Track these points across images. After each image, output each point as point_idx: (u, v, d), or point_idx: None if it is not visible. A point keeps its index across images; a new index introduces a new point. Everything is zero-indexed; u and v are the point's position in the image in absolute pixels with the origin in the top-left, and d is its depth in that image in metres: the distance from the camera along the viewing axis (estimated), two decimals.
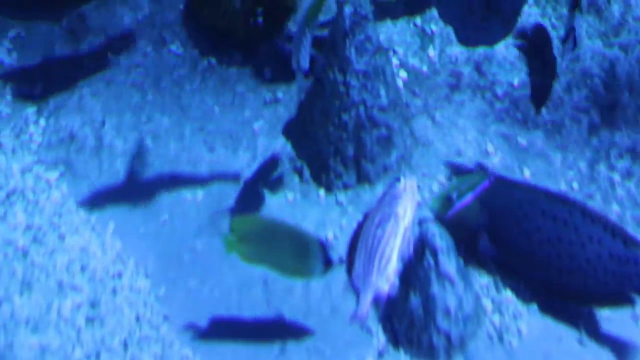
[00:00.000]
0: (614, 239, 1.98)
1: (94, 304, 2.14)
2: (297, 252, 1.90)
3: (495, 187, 2.14)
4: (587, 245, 2.00)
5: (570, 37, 2.36)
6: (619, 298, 2.03)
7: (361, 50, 2.38)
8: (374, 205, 2.06)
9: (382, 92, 2.41)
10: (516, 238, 2.12)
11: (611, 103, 2.52)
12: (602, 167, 2.42)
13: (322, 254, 1.90)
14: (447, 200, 2.10)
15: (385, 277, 1.88)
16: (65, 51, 2.76)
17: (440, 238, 1.97)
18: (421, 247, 1.99)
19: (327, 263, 1.91)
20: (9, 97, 2.65)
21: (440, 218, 2.12)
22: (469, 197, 2.10)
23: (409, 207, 1.97)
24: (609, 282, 1.99)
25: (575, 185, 2.38)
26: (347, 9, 2.35)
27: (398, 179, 2.02)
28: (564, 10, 2.70)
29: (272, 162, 2.48)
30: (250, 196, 2.44)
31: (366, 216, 2.11)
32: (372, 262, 1.90)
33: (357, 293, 1.98)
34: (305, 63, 2.10)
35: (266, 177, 2.47)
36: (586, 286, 2.04)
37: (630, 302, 2.04)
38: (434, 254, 1.98)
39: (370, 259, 1.89)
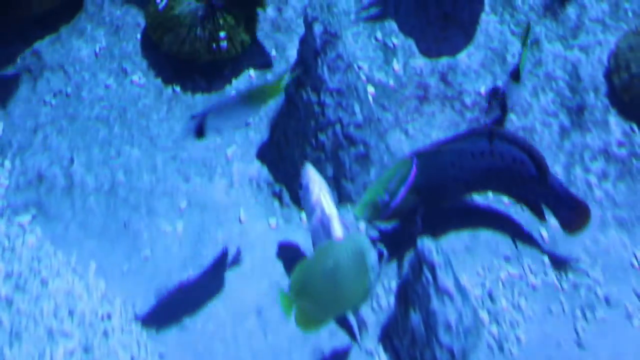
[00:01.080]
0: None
1: (87, 349, 2.10)
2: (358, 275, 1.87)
3: (421, 165, 2.18)
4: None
5: (496, 103, 2.42)
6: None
7: (333, 68, 2.38)
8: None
9: (357, 108, 2.42)
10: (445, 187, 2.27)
11: (578, 105, 2.57)
12: (577, 170, 2.46)
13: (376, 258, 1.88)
14: (378, 205, 2.10)
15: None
16: (22, 89, 2.69)
17: (436, 253, 1.98)
18: (418, 263, 1.99)
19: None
20: None
21: (372, 221, 2.16)
22: (402, 192, 2.13)
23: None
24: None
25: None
26: (317, 28, 2.35)
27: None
28: (522, 17, 2.74)
29: None
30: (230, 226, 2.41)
31: None
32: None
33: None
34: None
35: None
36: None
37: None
38: (432, 270, 1.99)
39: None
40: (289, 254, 2.31)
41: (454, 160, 2.21)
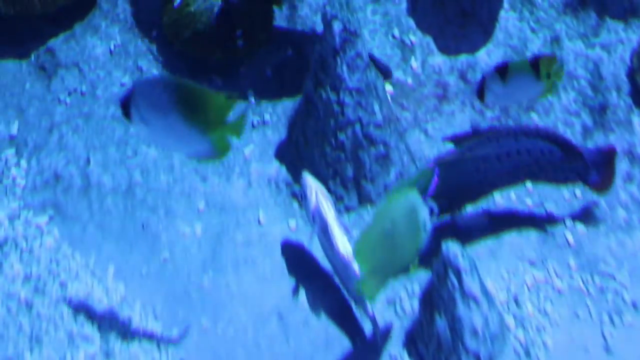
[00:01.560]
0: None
1: (108, 354, 2.08)
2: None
3: (443, 174, 2.14)
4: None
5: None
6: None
7: (353, 67, 2.36)
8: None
9: (377, 108, 2.39)
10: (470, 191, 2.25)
11: (601, 104, 2.54)
12: None
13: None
14: None
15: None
16: (37, 88, 2.67)
17: (462, 258, 1.96)
18: (444, 268, 1.97)
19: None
20: None
21: None
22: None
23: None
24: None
25: (578, 192, 2.39)
26: (337, 26, 2.32)
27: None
28: (542, 14, 2.71)
29: None
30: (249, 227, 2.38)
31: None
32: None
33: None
34: None
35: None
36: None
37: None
38: (458, 274, 1.97)
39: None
40: (308, 257, 2.28)
41: (479, 167, 2.19)
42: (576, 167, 2.25)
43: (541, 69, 2.17)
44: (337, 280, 2.17)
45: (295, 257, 2.30)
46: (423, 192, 2.07)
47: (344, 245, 2.07)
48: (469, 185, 2.22)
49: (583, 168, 2.25)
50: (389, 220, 1.82)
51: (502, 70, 2.19)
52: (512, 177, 2.25)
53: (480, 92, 2.24)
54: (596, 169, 2.26)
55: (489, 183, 2.25)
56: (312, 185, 2.18)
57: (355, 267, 1.99)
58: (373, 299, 1.90)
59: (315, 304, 2.18)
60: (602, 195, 2.31)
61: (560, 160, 2.23)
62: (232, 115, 1.78)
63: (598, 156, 2.27)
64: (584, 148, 2.29)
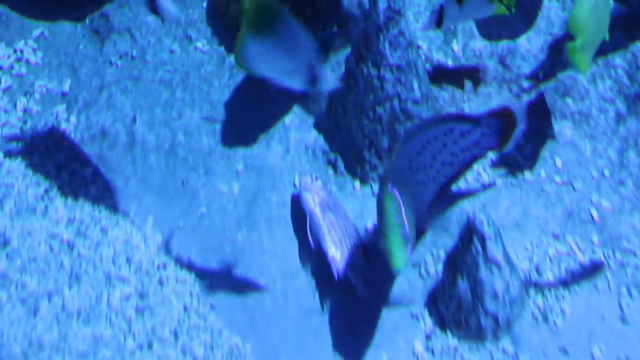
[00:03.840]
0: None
1: (142, 295, 2.17)
2: None
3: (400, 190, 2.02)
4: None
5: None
6: None
7: (395, 45, 2.42)
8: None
9: (415, 85, 2.45)
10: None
11: (636, 93, 2.58)
12: (631, 155, 2.48)
13: None
14: (406, 245, 1.94)
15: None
16: (90, 50, 2.78)
17: (487, 225, 2.02)
18: (469, 234, 2.03)
19: None
20: (37, 96, 2.67)
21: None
22: (405, 219, 1.97)
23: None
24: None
25: (606, 172, 2.43)
26: (382, 4, 2.39)
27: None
28: None
29: None
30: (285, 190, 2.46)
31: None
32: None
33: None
34: None
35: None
36: None
37: None
38: (482, 241, 2.02)
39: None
40: None
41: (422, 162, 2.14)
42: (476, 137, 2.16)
43: None
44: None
45: None
46: (399, 213, 1.98)
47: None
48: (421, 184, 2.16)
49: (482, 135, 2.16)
50: None
51: None
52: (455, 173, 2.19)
53: (439, 19, 2.33)
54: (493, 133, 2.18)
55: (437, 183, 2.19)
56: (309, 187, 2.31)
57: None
58: (586, 71, 1.98)
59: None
60: (503, 150, 2.24)
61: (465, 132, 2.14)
62: None
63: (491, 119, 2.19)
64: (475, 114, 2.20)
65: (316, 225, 2.22)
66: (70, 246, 2.25)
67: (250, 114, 2.61)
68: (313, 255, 2.25)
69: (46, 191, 2.40)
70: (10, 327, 2.06)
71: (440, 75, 2.71)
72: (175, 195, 2.45)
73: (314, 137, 2.55)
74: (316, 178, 2.36)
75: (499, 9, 2.34)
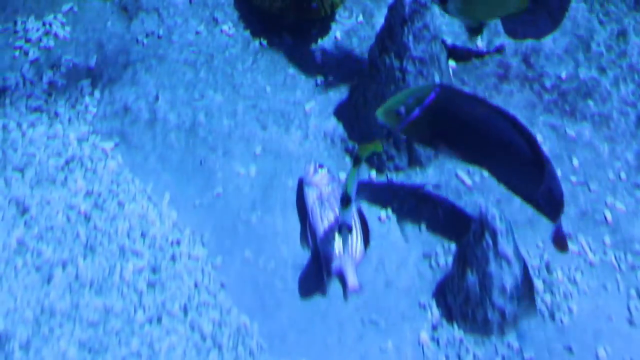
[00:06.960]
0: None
1: (154, 269, 2.20)
2: None
3: (440, 98, 2.17)
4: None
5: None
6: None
7: (419, 38, 2.43)
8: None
9: (437, 78, 2.46)
10: (462, 138, 2.20)
11: None
12: None
13: None
14: (395, 114, 2.18)
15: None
16: (117, 27, 2.81)
17: (499, 220, 2.03)
18: (480, 228, 2.04)
19: None
20: (63, 69, 2.70)
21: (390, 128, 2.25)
22: (416, 112, 2.17)
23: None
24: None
25: (623, 175, 2.43)
26: None
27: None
28: (612, 7, 2.75)
29: None
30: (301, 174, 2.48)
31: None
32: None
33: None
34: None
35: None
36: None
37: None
38: (493, 235, 2.03)
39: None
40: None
41: (469, 119, 2.16)
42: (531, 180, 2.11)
43: None
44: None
45: None
46: (418, 103, 2.17)
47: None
48: (454, 126, 2.20)
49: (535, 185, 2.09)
50: None
51: None
52: (479, 156, 2.20)
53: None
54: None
55: (467, 143, 2.20)
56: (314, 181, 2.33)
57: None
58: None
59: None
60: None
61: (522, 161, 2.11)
62: None
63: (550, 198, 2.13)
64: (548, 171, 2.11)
65: (313, 224, 2.23)
66: (87, 218, 2.28)
67: (271, 98, 2.63)
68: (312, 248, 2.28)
69: (66, 162, 2.43)
70: (25, 292, 2.10)
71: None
72: (193, 174, 2.48)
73: (334, 125, 2.57)
74: (320, 165, 2.35)
75: None
